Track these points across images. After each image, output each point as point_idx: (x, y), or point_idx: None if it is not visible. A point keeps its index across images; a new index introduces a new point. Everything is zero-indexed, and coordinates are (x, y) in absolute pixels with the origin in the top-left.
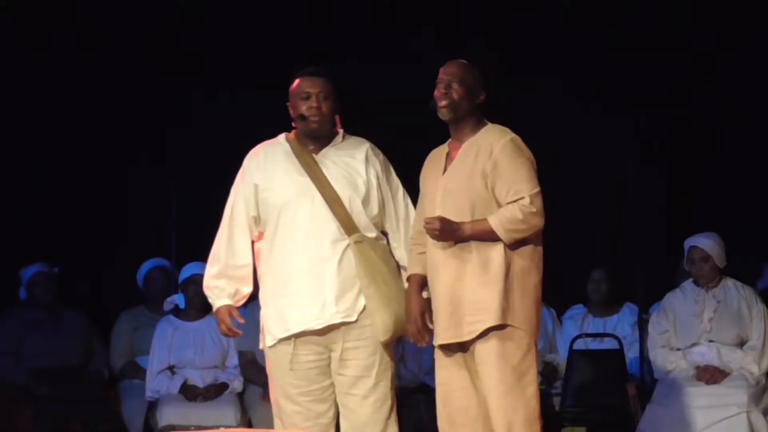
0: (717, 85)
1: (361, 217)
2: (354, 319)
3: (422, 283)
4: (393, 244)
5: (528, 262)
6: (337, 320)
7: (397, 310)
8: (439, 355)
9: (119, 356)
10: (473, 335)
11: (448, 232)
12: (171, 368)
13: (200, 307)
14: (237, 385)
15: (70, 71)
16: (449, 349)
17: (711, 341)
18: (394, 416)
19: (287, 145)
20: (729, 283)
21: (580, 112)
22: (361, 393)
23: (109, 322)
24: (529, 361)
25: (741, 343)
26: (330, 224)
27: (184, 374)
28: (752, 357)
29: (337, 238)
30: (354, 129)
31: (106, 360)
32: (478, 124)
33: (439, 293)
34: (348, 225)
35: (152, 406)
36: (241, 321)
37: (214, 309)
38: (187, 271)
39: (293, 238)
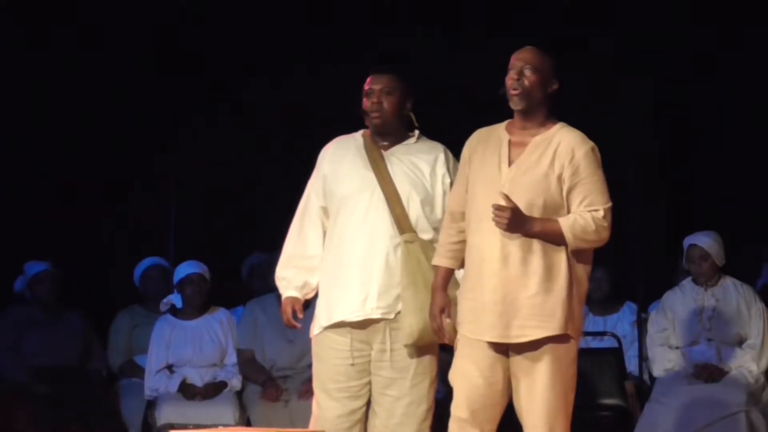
0: (717, 85)
1: (418, 218)
2: (392, 317)
3: (450, 277)
4: None
5: (583, 271)
6: (376, 315)
7: (427, 318)
8: (470, 346)
9: (117, 354)
10: (525, 339)
11: (516, 224)
12: (169, 367)
13: (199, 305)
14: (236, 383)
15: (71, 71)
16: (490, 344)
17: (710, 340)
18: (429, 421)
19: (361, 140)
20: (728, 281)
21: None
22: (396, 394)
23: (108, 322)
24: (575, 370)
25: (740, 342)
26: (385, 220)
27: (182, 373)
28: (751, 356)
29: (390, 235)
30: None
31: (104, 360)
32: (549, 117)
33: (489, 288)
34: (402, 223)
35: (151, 404)
36: (301, 316)
37: (282, 299)
38: (183, 270)
39: (349, 230)
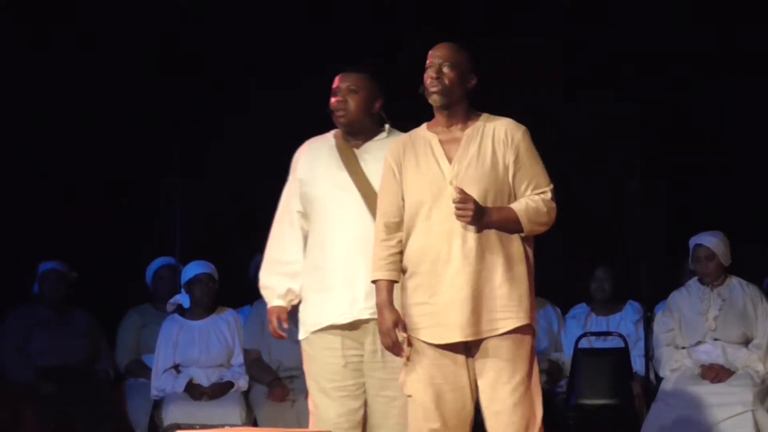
0: (718, 85)
1: None
2: None
3: (392, 290)
4: None
5: (533, 259)
6: (365, 315)
7: None
8: (431, 353)
9: (125, 353)
10: (496, 332)
11: (478, 216)
12: (176, 367)
13: (207, 306)
14: (242, 383)
15: (71, 72)
16: (452, 347)
17: (716, 340)
18: None
19: (333, 141)
20: (734, 281)
21: (582, 111)
22: (391, 395)
23: (115, 321)
24: (535, 362)
25: (746, 342)
26: (364, 219)
27: (189, 373)
28: (757, 355)
29: (370, 234)
30: None
31: (112, 360)
32: (471, 111)
33: (455, 287)
34: None
35: (157, 404)
36: (286, 326)
37: (267, 309)
38: (191, 270)
39: (329, 232)
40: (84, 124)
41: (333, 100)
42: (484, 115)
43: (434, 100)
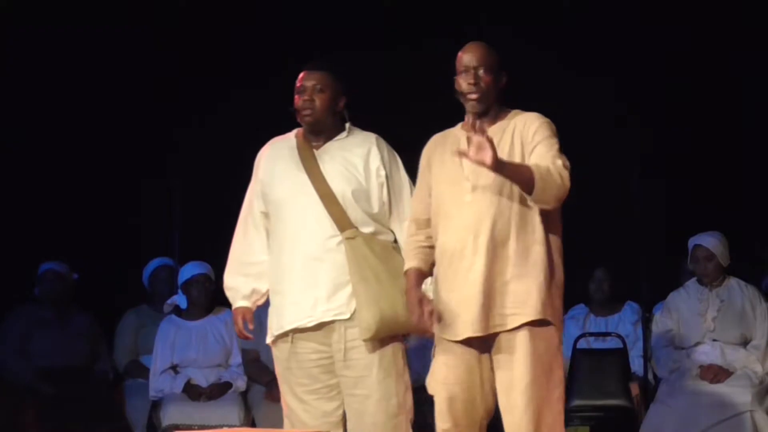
0: (718, 86)
1: (356, 213)
2: (347, 316)
3: (421, 279)
4: (400, 242)
5: (558, 257)
6: (328, 318)
7: (384, 309)
8: (446, 352)
9: (123, 354)
10: (503, 328)
11: (497, 159)
12: (174, 367)
13: (204, 306)
14: (240, 384)
15: (71, 72)
16: (466, 345)
17: (715, 340)
18: (405, 415)
19: (294, 141)
20: (733, 282)
21: (581, 112)
22: (363, 392)
23: (113, 322)
24: (559, 361)
25: (745, 343)
26: (323, 221)
27: (187, 373)
28: (756, 356)
29: (330, 235)
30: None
31: (111, 361)
32: (502, 109)
33: (468, 283)
34: (342, 221)
35: (156, 405)
36: (251, 327)
37: (233, 309)
38: (188, 271)
39: (288, 234)
40: (84, 124)
41: (298, 98)
42: (513, 112)
43: (472, 106)
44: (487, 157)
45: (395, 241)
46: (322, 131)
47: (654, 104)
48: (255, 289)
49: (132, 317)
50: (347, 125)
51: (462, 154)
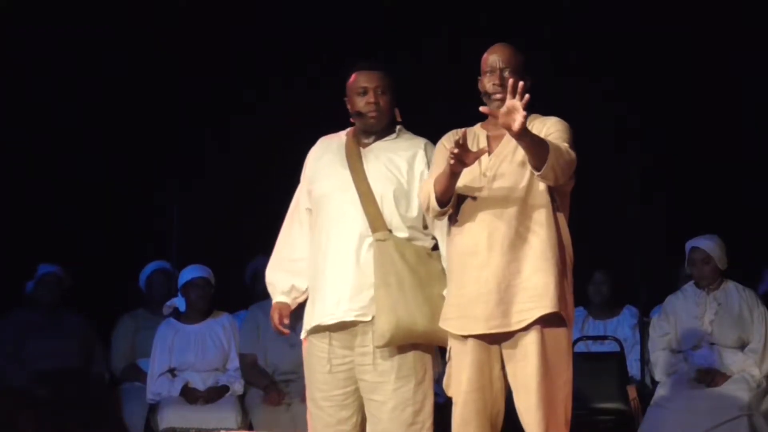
0: (718, 87)
1: (393, 216)
2: (369, 319)
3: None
4: (441, 250)
5: (570, 255)
6: (349, 318)
7: (401, 318)
8: (456, 351)
9: (120, 359)
10: (522, 324)
11: (523, 132)
12: (172, 371)
13: (203, 310)
14: (238, 387)
15: (71, 72)
16: (481, 341)
17: (712, 344)
18: (421, 424)
19: (344, 139)
20: (730, 285)
21: (581, 113)
22: (380, 398)
23: (111, 325)
24: (569, 361)
25: (742, 346)
26: (358, 219)
27: (184, 377)
28: (753, 360)
29: (363, 235)
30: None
31: (106, 363)
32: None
33: (481, 280)
34: (376, 222)
35: (153, 408)
36: (287, 321)
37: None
38: (187, 274)
39: (324, 230)
40: (84, 124)
41: (360, 100)
42: (533, 116)
43: (497, 107)
44: (516, 123)
45: (435, 247)
46: (378, 132)
47: (654, 105)
48: (294, 286)
49: (128, 321)
50: (398, 127)
51: (483, 152)
